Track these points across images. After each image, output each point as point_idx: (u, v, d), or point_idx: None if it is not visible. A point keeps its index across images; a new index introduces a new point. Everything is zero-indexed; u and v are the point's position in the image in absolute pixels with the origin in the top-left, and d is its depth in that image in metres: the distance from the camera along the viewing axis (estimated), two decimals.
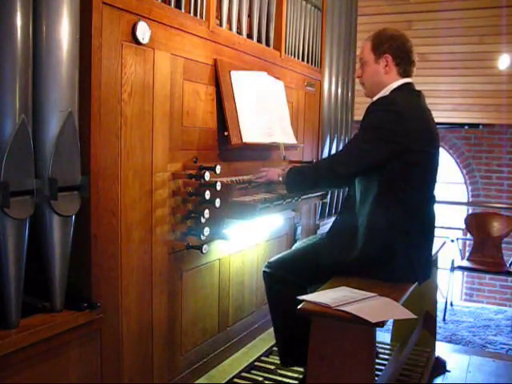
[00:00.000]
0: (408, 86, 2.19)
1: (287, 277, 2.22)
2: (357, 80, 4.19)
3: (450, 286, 4.92)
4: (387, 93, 2.17)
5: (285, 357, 2.34)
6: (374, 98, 2.20)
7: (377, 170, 2.09)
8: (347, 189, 2.38)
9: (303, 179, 2.29)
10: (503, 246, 4.98)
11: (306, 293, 2.23)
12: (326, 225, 3.59)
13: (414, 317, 1.80)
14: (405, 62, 2.19)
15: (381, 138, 2.05)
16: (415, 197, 2.10)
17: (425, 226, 2.18)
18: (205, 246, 2.20)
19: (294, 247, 2.57)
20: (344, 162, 2.12)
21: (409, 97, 2.15)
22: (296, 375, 2.51)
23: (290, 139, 2.82)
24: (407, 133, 2.03)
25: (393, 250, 2.09)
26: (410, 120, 2.04)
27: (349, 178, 2.20)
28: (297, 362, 2.32)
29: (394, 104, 2.07)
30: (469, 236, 5.39)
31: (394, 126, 2.03)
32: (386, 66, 2.18)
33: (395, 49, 2.17)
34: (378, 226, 2.10)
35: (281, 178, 2.37)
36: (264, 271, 2.32)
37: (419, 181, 2.10)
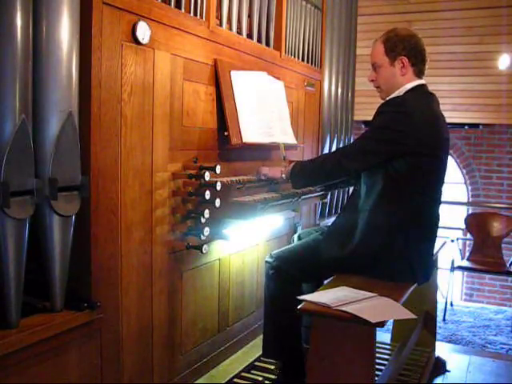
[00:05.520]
0: (422, 88, 2.19)
1: (288, 270, 2.23)
2: (357, 80, 4.20)
3: (450, 286, 4.92)
4: (401, 93, 2.17)
5: (267, 347, 2.37)
6: (387, 98, 2.20)
7: (382, 168, 2.10)
8: (353, 187, 2.38)
9: (309, 173, 2.30)
10: (503, 245, 4.98)
11: (301, 289, 2.26)
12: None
13: (414, 317, 1.80)
14: (420, 62, 2.19)
15: (387, 139, 2.05)
16: (418, 198, 2.10)
17: (426, 228, 2.18)
18: (205, 246, 2.20)
19: (296, 239, 2.59)
20: (350, 157, 2.14)
21: (421, 99, 2.14)
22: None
23: (290, 139, 2.82)
24: (414, 135, 2.03)
25: (390, 249, 2.09)
26: (418, 122, 2.04)
27: (354, 172, 2.21)
28: (276, 354, 2.36)
29: (403, 105, 2.07)
30: (469, 236, 5.39)
31: (402, 127, 2.03)
32: (402, 67, 2.17)
33: (410, 50, 2.16)
34: (377, 224, 2.10)
35: (284, 175, 2.39)
36: (266, 261, 2.34)
37: (423, 183, 2.10)
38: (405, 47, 2.16)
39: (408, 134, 2.03)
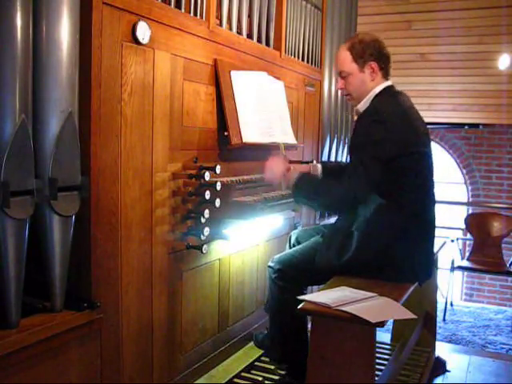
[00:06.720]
0: (390, 90, 2.20)
1: (290, 274, 2.23)
2: None
3: (450, 286, 4.93)
4: (370, 99, 2.18)
5: (272, 350, 2.41)
6: (359, 107, 2.22)
7: None
8: None
9: (315, 197, 2.17)
10: (503, 245, 4.98)
11: (304, 291, 2.27)
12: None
13: (414, 317, 1.80)
14: (387, 65, 2.22)
15: (376, 150, 2.03)
16: (411, 198, 2.09)
17: (423, 227, 2.17)
18: (205, 246, 2.20)
19: (293, 239, 2.59)
20: (363, 185, 2.04)
21: (390, 101, 2.15)
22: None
23: (290, 139, 2.82)
24: (394, 138, 2.03)
25: (387, 253, 2.09)
26: (396, 125, 2.04)
27: (369, 194, 2.14)
28: (282, 357, 2.37)
29: (376, 113, 2.07)
30: (469, 236, 5.40)
31: (381, 135, 2.02)
32: (372, 72, 2.19)
33: (377, 54, 2.19)
34: (373, 229, 2.10)
35: (284, 184, 2.29)
36: (268, 266, 2.34)
37: (414, 183, 2.10)
38: (372, 52, 2.18)
39: (388, 140, 2.02)
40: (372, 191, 2.07)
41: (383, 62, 2.20)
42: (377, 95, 2.18)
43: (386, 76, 2.22)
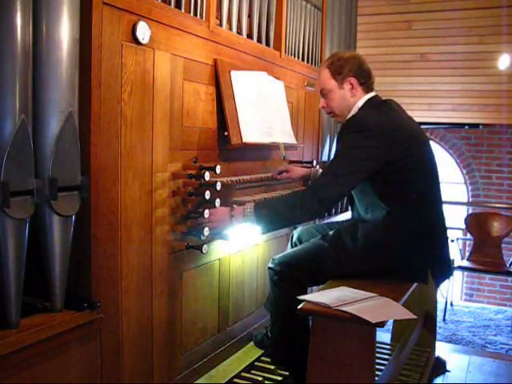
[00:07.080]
0: (372, 100, 2.21)
1: (292, 275, 2.21)
2: None
3: (450, 286, 4.92)
4: (354, 113, 2.19)
5: (275, 353, 2.40)
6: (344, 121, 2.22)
7: (368, 181, 2.09)
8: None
9: (283, 213, 2.09)
10: (503, 245, 4.99)
11: (306, 292, 2.26)
12: None
13: (414, 317, 1.80)
14: (367, 80, 2.22)
15: (360, 159, 2.03)
16: (415, 200, 2.10)
17: (430, 228, 2.16)
18: (205, 246, 2.20)
19: (295, 237, 2.58)
20: (331, 186, 2.03)
21: (375, 110, 2.16)
22: None
23: (290, 139, 2.82)
24: (383, 145, 2.03)
25: (393, 257, 2.09)
26: (381, 132, 2.05)
27: (336, 201, 2.17)
28: (285, 359, 2.35)
29: (362, 122, 2.07)
30: (469, 236, 5.40)
31: (369, 142, 2.03)
32: (351, 88, 2.19)
33: (356, 70, 2.19)
34: (378, 233, 2.11)
35: (237, 218, 2.12)
36: (269, 267, 2.31)
37: (417, 184, 2.10)
38: (351, 68, 2.19)
39: (375, 148, 2.03)
40: (339, 198, 2.08)
41: (363, 78, 2.20)
42: (360, 109, 2.19)
43: (367, 91, 2.22)
